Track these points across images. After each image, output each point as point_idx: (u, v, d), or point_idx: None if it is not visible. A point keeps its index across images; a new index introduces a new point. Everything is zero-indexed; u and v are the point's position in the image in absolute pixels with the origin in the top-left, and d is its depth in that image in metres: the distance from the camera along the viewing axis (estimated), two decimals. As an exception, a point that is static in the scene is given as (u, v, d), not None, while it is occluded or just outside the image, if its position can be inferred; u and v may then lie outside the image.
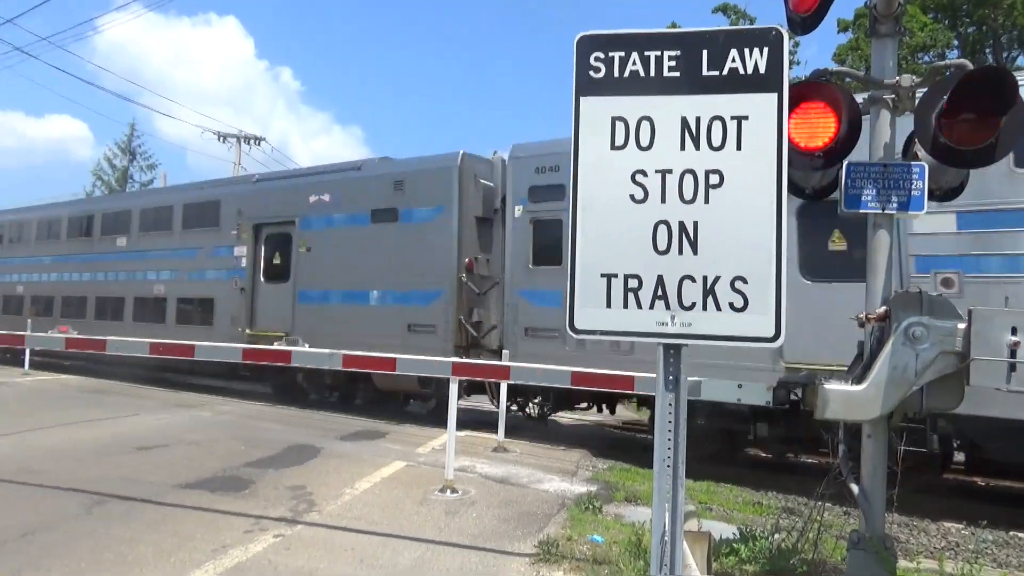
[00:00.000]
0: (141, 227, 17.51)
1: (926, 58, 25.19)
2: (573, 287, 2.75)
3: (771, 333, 2.62)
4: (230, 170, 29.38)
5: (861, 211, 3.55)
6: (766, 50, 2.70)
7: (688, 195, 2.71)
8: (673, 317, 2.70)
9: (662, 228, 2.73)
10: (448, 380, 6.33)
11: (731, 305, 2.66)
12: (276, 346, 7.70)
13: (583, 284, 2.76)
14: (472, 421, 11.77)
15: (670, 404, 2.75)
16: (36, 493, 6.28)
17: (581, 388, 5.22)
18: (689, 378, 2.84)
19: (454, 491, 6.96)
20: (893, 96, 3.63)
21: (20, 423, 9.93)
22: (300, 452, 8.80)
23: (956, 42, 27.06)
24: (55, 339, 7.36)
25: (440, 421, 11.53)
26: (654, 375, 4.91)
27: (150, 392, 14.81)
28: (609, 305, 2.73)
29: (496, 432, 9.87)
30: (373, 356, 6.12)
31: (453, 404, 6.53)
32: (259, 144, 30.70)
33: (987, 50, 27.32)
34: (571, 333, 2.78)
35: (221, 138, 30.14)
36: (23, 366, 17.43)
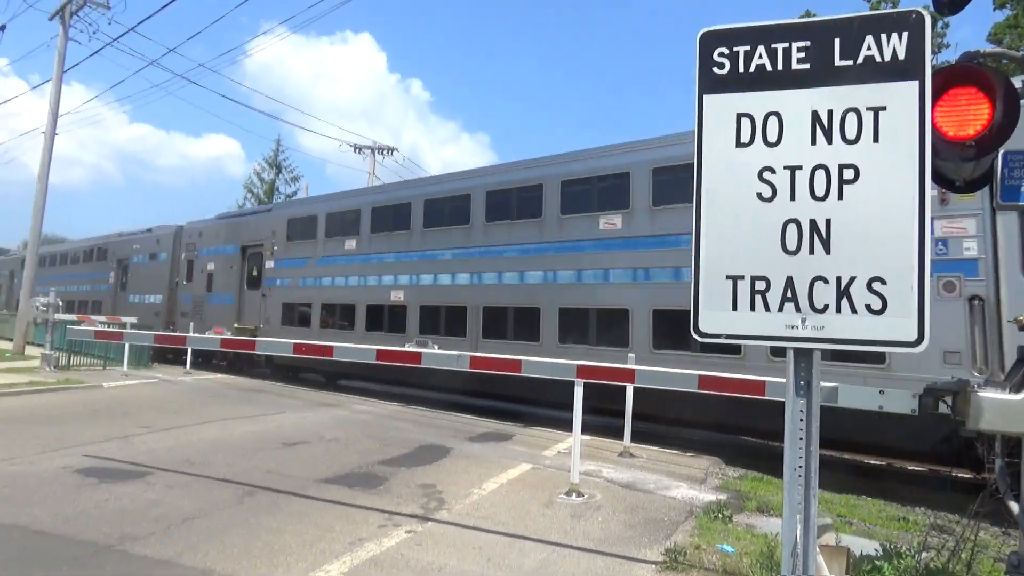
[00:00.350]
0: None
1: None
2: (697, 289, 2.68)
3: (913, 337, 2.44)
4: (365, 180, 30.81)
5: (1021, 203, 3.24)
6: (905, 35, 2.51)
7: (820, 192, 2.57)
8: (804, 320, 2.57)
9: (791, 227, 2.59)
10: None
11: (868, 307, 2.50)
12: (407, 347, 8.02)
13: (707, 286, 2.67)
14: (596, 426, 11.72)
15: (801, 411, 2.62)
16: (195, 483, 6.85)
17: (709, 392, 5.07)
18: (824, 383, 2.70)
19: (580, 495, 6.96)
20: (1060, 76, 3.27)
21: (182, 418, 10.87)
22: (431, 452, 9.10)
23: None
24: (211, 339, 7.99)
25: (564, 424, 11.60)
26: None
27: (295, 392, 15.78)
28: (735, 308, 2.64)
29: (622, 437, 9.77)
30: (500, 358, 6.23)
31: (578, 408, 6.52)
32: (391, 154, 32.04)
33: None
34: (695, 336, 2.70)
35: (357, 150, 31.70)
36: (186, 365, 19.10)
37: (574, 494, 6.95)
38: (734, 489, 8.04)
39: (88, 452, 7.92)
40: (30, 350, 20.41)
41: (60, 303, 18.21)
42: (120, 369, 17.57)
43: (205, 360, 20.18)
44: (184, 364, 19.14)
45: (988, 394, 3.30)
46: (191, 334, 15.89)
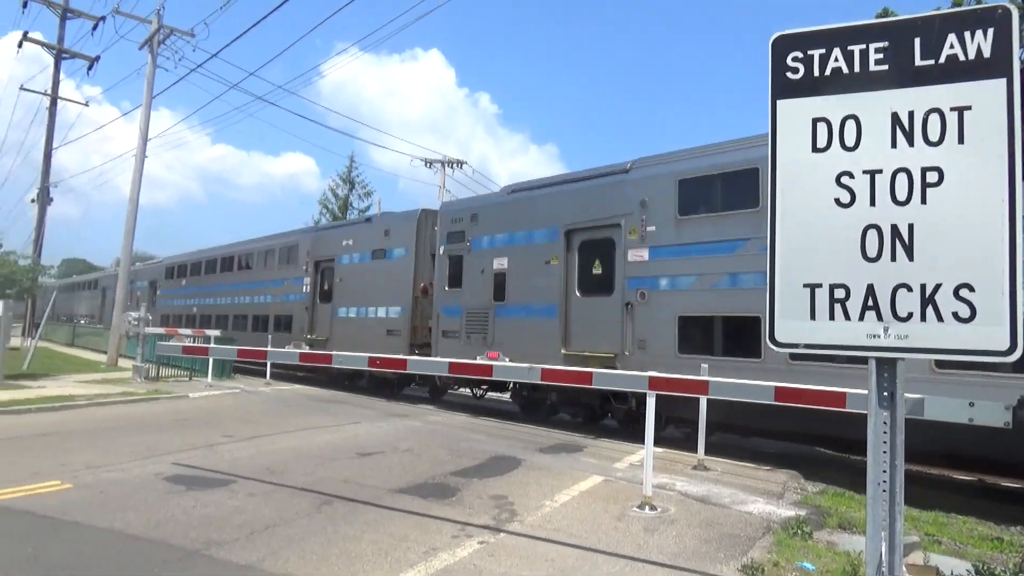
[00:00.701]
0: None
1: None
2: (773, 298, 2.61)
3: (1005, 346, 2.31)
4: (436, 193, 31.31)
5: None
6: (991, 31, 2.39)
7: (901, 196, 2.47)
8: (887, 329, 2.47)
9: (872, 233, 2.50)
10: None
11: (955, 315, 2.38)
12: (479, 360, 8.07)
13: (783, 295, 2.61)
14: (670, 438, 11.53)
15: (885, 423, 2.52)
16: (275, 491, 7.06)
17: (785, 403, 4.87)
18: (908, 395, 2.59)
19: (653, 508, 6.86)
20: None
21: (262, 428, 11.25)
22: (502, 463, 9.13)
23: None
24: (291, 353, 8.25)
25: (635, 436, 11.46)
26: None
27: (369, 402, 16.11)
28: (813, 317, 2.56)
29: (696, 450, 9.59)
30: (569, 370, 6.21)
31: (650, 419, 6.44)
32: (461, 167, 32.49)
33: None
34: (771, 346, 2.63)
35: (428, 164, 32.29)
36: (265, 376, 19.76)
37: (647, 507, 6.85)
38: (814, 504, 7.77)
39: (176, 460, 8.28)
40: (122, 362, 21.50)
41: (150, 317, 19.07)
42: (204, 380, 18.30)
43: (288, 371, 20.70)
44: (264, 375, 19.80)
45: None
46: (272, 348, 14.96)
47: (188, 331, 21.02)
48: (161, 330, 20.57)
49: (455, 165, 32.07)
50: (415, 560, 5.12)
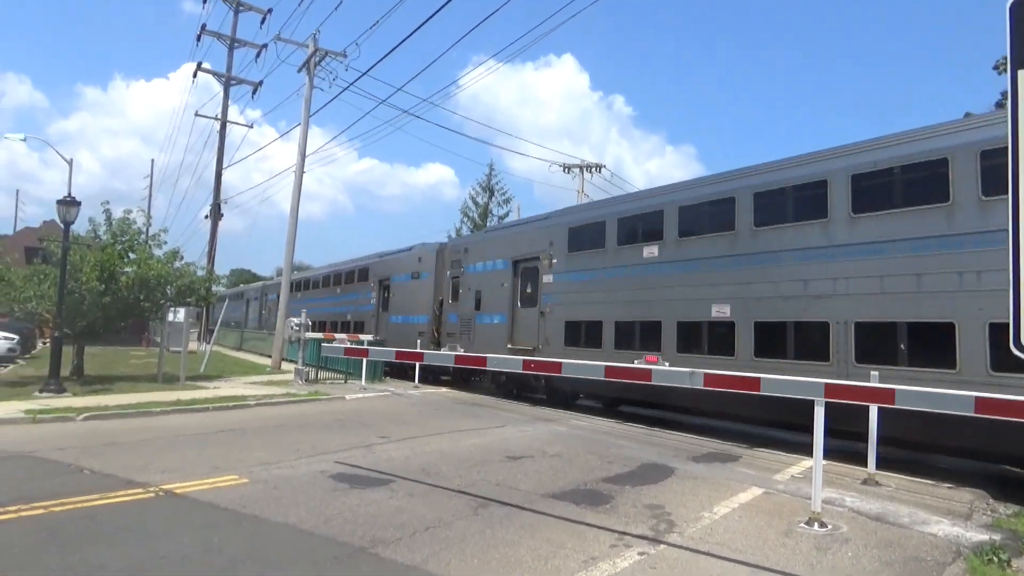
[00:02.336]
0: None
1: None
2: (1018, 298, 2.27)
3: None
4: (573, 198, 31.29)
5: None
6: None
7: None
8: None
9: None
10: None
11: None
12: (636, 364, 7.92)
13: None
14: (832, 449, 10.79)
15: None
16: (432, 492, 7.22)
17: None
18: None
19: (822, 525, 6.40)
20: None
21: (413, 430, 11.62)
22: (654, 471, 8.89)
23: None
24: (446, 355, 8.43)
25: (791, 446, 10.83)
26: None
27: (512, 406, 16.27)
28: None
29: (865, 464, 8.89)
30: (736, 376, 5.91)
31: (819, 429, 6.00)
32: (599, 171, 32.30)
33: None
34: (1016, 351, 2.30)
35: (566, 169, 32.35)
36: (414, 380, 20.47)
37: (816, 524, 6.40)
38: (1009, 528, 6.97)
39: (338, 459, 8.68)
40: (284, 365, 23.01)
41: (310, 323, 20.35)
42: (358, 383, 19.21)
43: (433, 375, 21.45)
44: (413, 379, 20.52)
45: None
46: (428, 351, 16.42)
47: (343, 335, 22.16)
48: (320, 335, 21.81)
49: (593, 169, 31.92)
50: (575, 569, 5.04)
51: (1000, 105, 27.98)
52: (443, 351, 16.97)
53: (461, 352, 15.50)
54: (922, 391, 4.81)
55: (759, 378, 5.52)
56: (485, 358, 7.04)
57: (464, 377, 20.79)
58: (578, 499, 7.17)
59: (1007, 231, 2.52)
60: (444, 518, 6.24)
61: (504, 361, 7.25)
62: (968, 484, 8.92)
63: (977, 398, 4.10)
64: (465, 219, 48.36)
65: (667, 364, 11.47)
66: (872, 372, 8.76)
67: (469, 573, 4.86)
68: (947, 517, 7.19)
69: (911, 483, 8.90)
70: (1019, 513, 7.70)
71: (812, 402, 5.77)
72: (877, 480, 8.66)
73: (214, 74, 34.30)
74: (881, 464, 9.07)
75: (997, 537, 6.50)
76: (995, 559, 5.65)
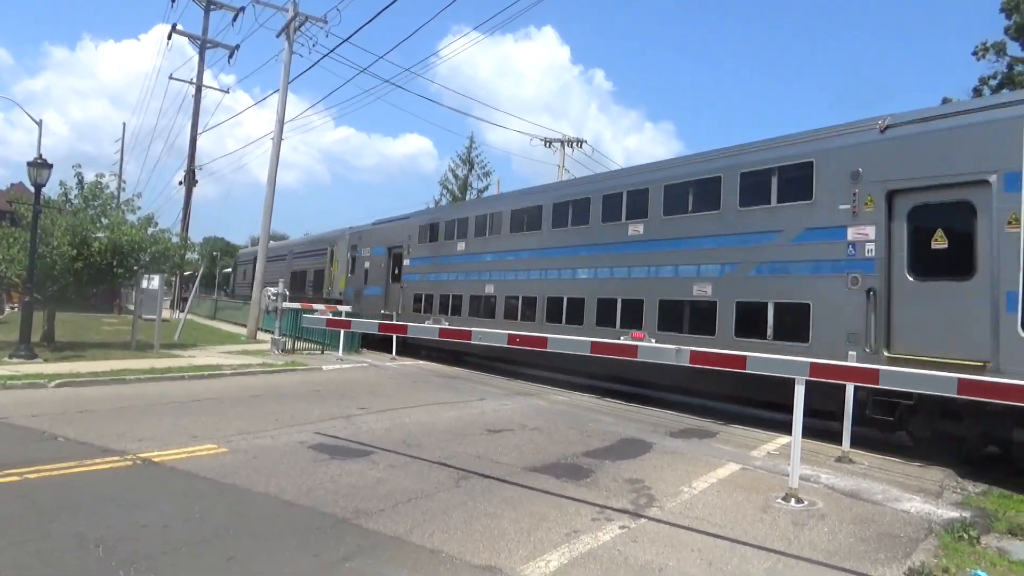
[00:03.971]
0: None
1: None
2: None
3: None
4: (554, 172, 31.20)
5: None
6: None
7: None
8: None
9: None
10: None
11: None
12: (622, 340, 7.94)
13: None
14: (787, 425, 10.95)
15: None
16: (413, 464, 7.22)
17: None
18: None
19: (799, 501, 6.52)
20: None
21: (393, 401, 11.60)
22: (633, 445, 8.97)
23: None
24: (430, 328, 8.40)
25: (766, 423, 10.97)
26: None
27: (490, 380, 16.31)
28: None
29: (833, 440, 9.05)
30: (722, 354, 5.95)
31: (799, 408, 6.07)
32: (580, 147, 32.20)
33: None
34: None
35: (547, 143, 32.17)
36: (392, 352, 20.38)
37: (792, 500, 6.52)
38: (977, 506, 7.16)
39: (317, 430, 8.64)
40: (260, 335, 22.80)
41: (287, 293, 20.12)
42: (336, 354, 19.11)
43: (405, 347, 21.44)
44: (390, 351, 20.45)
45: None
46: (415, 324, 16.55)
47: (322, 306, 21.98)
48: (297, 305, 21.60)
49: (574, 144, 31.80)
50: (558, 541, 5.07)
51: (978, 91, 28.28)
52: (427, 324, 17.63)
53: (446, 326, 15.57)
54: (908, 372, 4.87)
55: (745, 356, 5.55)
56: (470, 332, 7.00)
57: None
58: (559, 473, 7.21)
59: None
60: (426, 490, 6.24)
61: (490, 336, 7.22)
62: (936, 462, 9.12)
63: (960, 379, 4.16)
64: (445, 191, 48.09)
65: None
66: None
67: (453, 544, 4.87)
68: (919, 495, 7.36)
69: (883, 461, 9.08)
70: (987, 492, 7.90)
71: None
72: (851, 458, 8.83)
73: (189, 36, 33.39)
74: (856, 443, 9.24)
75: (967, 515, 6.66)
76: (965, 536, 5.80)
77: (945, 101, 25.11)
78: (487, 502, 5.98)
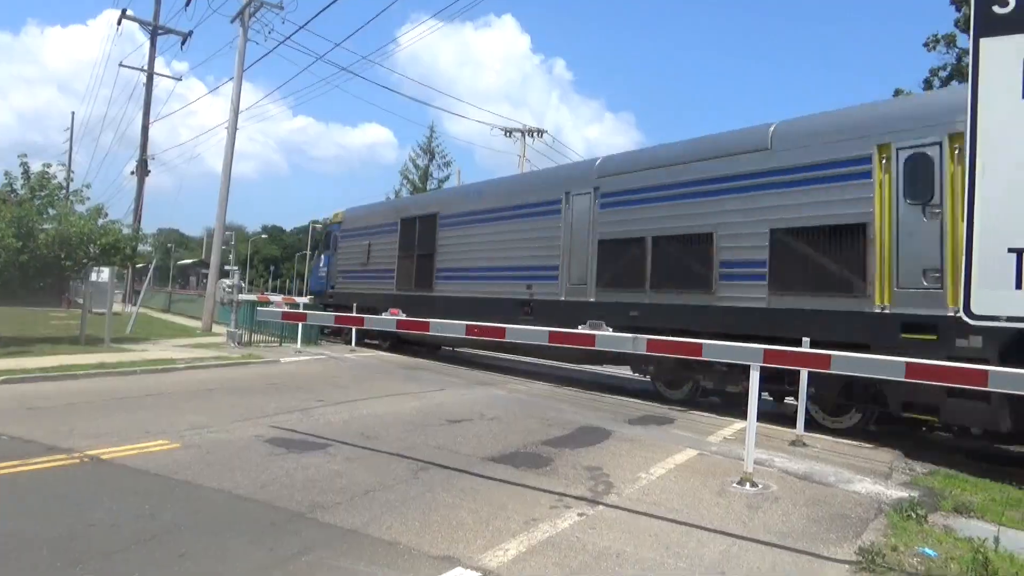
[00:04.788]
0: None
1: None
2: (969, 265, 2.35)
3: None
4: (515, 163, 31.15)
5: None
6: None
7: None
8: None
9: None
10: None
11: None
12: (580, 329, 7.98)
13: (983, 261, 2.36)
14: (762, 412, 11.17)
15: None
16: (371, 456, 7.16)
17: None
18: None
19: (754, 484, 6.63)
20: None
21: (351, 393, 11.48)
22: (592, 433, 9.02)
23: None
24: (387, 320, 8.31)
25: (724, 409, 11.15)
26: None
27: (452, 370, 16.26)
28: (1020, 287, 2.30)
29: (794, 426, 9.23)
30: (679, 341, 6.00)
31: (754, 393, 6.17)
32: (540, 136, 32.17)
33: None
34: (966, 318, 2.38)
35: (507, 133, 32.07)
36: (351, 343, 20.19)
37: (747, 484, 6.62)
38: (925, 486, 7.36)
39: (273, 423, 8.51)
40: (216, 327, 22.37)
41: (243, 285, 19.75)
42: (294, 346, 18.85)
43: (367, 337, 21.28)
44: (350, 342, 20.25)
45: None
46: (370, 316, 16.01)
47: (278, 297, 21.63)
48: (254, 297, 21.24)
49: (535, 134, 31.75)
50: (516, 530, 5.08)
51: (928, 83, 29.00)
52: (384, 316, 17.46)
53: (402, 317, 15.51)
54: (857, 356, 4.98)
55: (701, 344, 5.62)
56: (428, 323, 6.95)
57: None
58: (518, 462, 7.22)
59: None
60: (384, 482, 6.19)
61: (448, 327, 7.18)
62: (886, 444, 9.37)
63: (908, 364, 4.27)
64: (405, 181, 47.70)
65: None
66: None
67: (411, 535, 4.84)
68: (869, 476, 7.54)
69: (835, 444, 9.30)
70: (934, 472, 8.14)
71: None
72: (804, 441, 9.01)
73: (140, 22, 32.55)
74: (809, 427, 9.44)
75: (915, 494, 6.84)
76: (913, 515, 5.96)
77: (897, 93, 25.71)
78: (446, 493, 5.96)
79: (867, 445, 9.35)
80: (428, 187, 45.02)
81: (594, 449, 8.08)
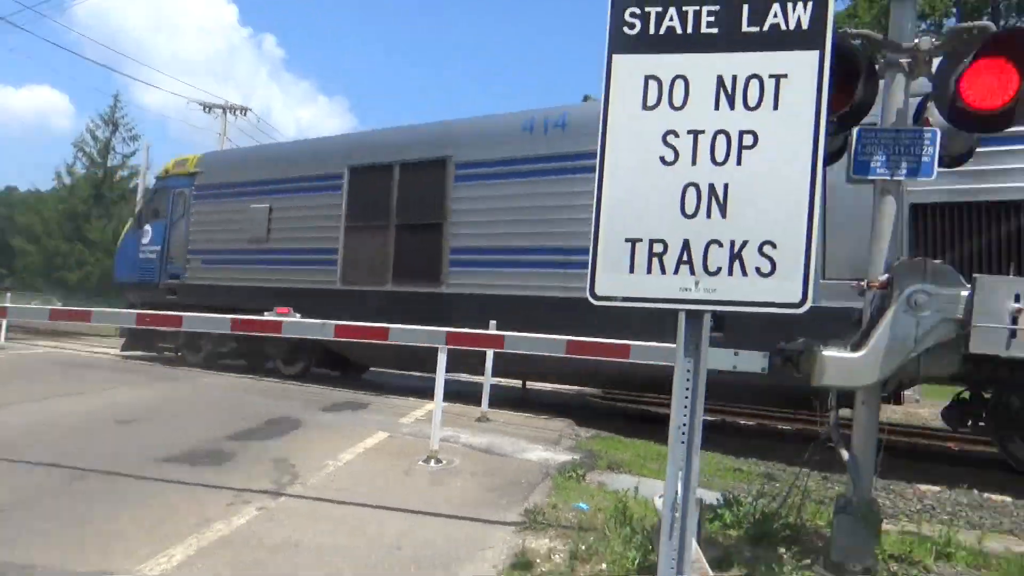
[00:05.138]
0: None
1: (924, 25, 25.18)
2: (596, 252, 2.65)
3: (797, 299, 2.55)
4: (216, 140, 28.62)
5: (870, 177, 3.50)
6: (810, 4, 2.58)
7: (720, 157, 2.60)
8: (697, 283, 2.61)
9: (691, 191, 2.62)
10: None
11: (758, 270, 2.58)
12: (266, 316, 7.54)
13: (606, 249, 2.65)
14: (451, 392, 11.72)
15: (688, 371, 2.68)
16: (14, 469, 6.04)
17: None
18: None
19: (439, 461, 6.90)
20: (909, 60, 3.56)
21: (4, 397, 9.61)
22: (282, 424, 8.67)
23: (955, 9, 26.82)
24: (39, 310, 7.13)
25: (417, 391, 11.53)
26: (650, 344, 4.89)
27: (133, 366, 14.49)
28: (632, 271, 2.64)
29: (480, 403, 9.83)
30: (365, 326, 6.01)
31: (441, 374, 6.44)
32: (244, 114, 29.92)
33: (984, 17, 27.32)
34: (591, 299, 2.68)
35: (207, 108, 29.32)
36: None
37: (432, 460, 6.87)
38: (586, 449, 8.31)
39: None
40: None
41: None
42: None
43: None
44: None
45: (831, 353, 3.58)
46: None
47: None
48: None
49: (238, 112, 29.39)
50: (185, 533, 4.66)
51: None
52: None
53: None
54: (526, 336, 5.45)
55: (387, 328, 5.71)
56: (182, 317, 6.08)
57: None
58: (196, 460, 6.65)
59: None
60: (25, 499, 5.25)
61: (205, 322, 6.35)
62: (561, 415, 10.43)
63: (569, 341, 4.78)
64: (81, 154, 41.44)
65: None
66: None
67: (54, 555, 4.18)
68: (541, 444, 8.29)
69: (516, 417, 10.10)
70: (595, 436, 9.26)
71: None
72: (488, 417, 9.64)
73: None
74: (495, 403, 10.12)
75: (578, 457, 7.69)
76: (574, 475, 6.70)
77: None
78: (105, 503, 5.26)
79: (543, 416, 10.30)
80: (109, 161, 39.74)
81: (282, 440, 7.77)
